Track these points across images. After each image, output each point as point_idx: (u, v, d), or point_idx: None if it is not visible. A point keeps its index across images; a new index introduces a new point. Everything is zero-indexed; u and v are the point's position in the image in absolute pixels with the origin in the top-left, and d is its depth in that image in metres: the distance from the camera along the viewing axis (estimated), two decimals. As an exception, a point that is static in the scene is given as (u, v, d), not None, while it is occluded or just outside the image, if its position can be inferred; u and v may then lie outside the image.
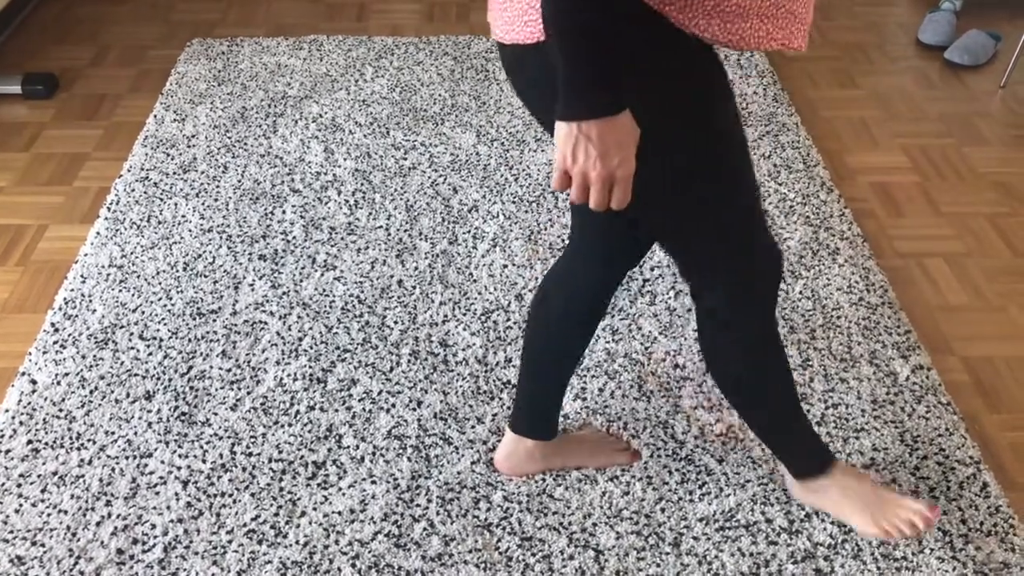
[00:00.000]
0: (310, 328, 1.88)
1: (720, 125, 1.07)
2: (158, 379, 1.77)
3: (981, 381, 1.80)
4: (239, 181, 2.29)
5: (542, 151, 2.39)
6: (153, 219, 2.16)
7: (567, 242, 2.09)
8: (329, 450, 1.64)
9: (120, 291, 1.96)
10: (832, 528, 1.50)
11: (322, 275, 2.01)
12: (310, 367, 1.79)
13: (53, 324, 1.88)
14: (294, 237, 2.12)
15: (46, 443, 1.64)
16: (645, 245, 1.35)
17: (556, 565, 1.46)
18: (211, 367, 1.79)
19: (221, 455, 1.63)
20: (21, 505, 1.54)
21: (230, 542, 1.49)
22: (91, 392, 1.74)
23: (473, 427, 1.68)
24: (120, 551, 1.47)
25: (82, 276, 2.00)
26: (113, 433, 1.66)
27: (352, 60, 2.80)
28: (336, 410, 1.71)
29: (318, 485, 1.58)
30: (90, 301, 1.93)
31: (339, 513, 1.53)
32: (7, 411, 1.70)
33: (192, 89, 2.65)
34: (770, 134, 2.47)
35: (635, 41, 0.95)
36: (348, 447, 1.64)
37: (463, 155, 2.38)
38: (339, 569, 1.45)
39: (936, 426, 1.68)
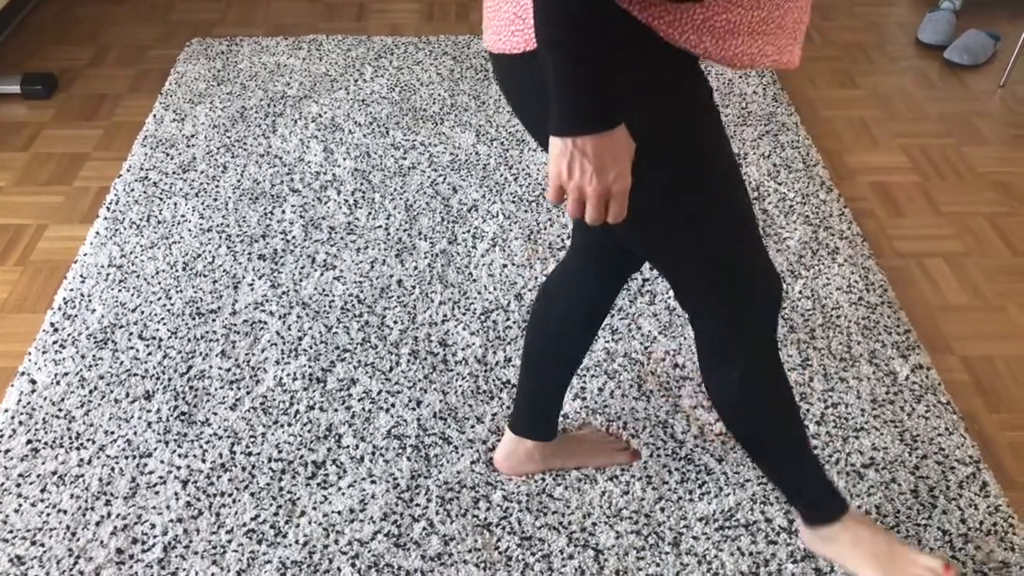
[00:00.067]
0: (310, 328, 1.88)
1: (704, 142, 1.05)
2: (157, 379, 1.77)
3: (980, 381, 1.80)
4: (238, 181, 2.29)
5: (542, 151, 2.39)
6: (152, 219, 2.16)
7: (568, 242, 2.10)
8: (329, 450, 1.64)
9: (119, 291, 1.96)
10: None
11: (322, 275, 2.01)
12: (310, 367, 1.79)
13: (52, 324, 1.88)
14: (293, 237, 2.12)
15: (46, 443, 1.64)
16: None
17: (556, 565, 1.46)
18: (211, 367, 1.79)
19: (221, 455, 1.63)
20: (21, 505, 1.54)
21: (230, 542, 1.49)
22: (90, 392, 1.74)
23: (473, 427, 1.68)
24: (120, 551, 1.47)
25: (81, 276, 2.00)
26: (113, 433, 1.66)
27: (351, 60, 2.80)
28: (336, 410, 1.71)
29: (318, 485, 1.58)
30: (89, 301, 1.93)
31: (339, 513, 1.53)
32: (6, 411, 1.70)
33: (191, 89, 2.65)
34: (770, 134, 2.47)
35: (623, 56, 0.93)
36: (348, 447, 1.64)
37: (462, 155, 2.38)
38: (339, 569, 1.45)
39: (936, 425, 1.68)
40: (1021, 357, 1.85)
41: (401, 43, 2.89)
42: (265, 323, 1.89)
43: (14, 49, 2.91)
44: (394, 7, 3.18)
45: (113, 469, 1.60)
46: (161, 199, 2.23)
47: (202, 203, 2.21)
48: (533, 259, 2.06)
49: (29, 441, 1.64)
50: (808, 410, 1.71)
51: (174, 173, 2.31)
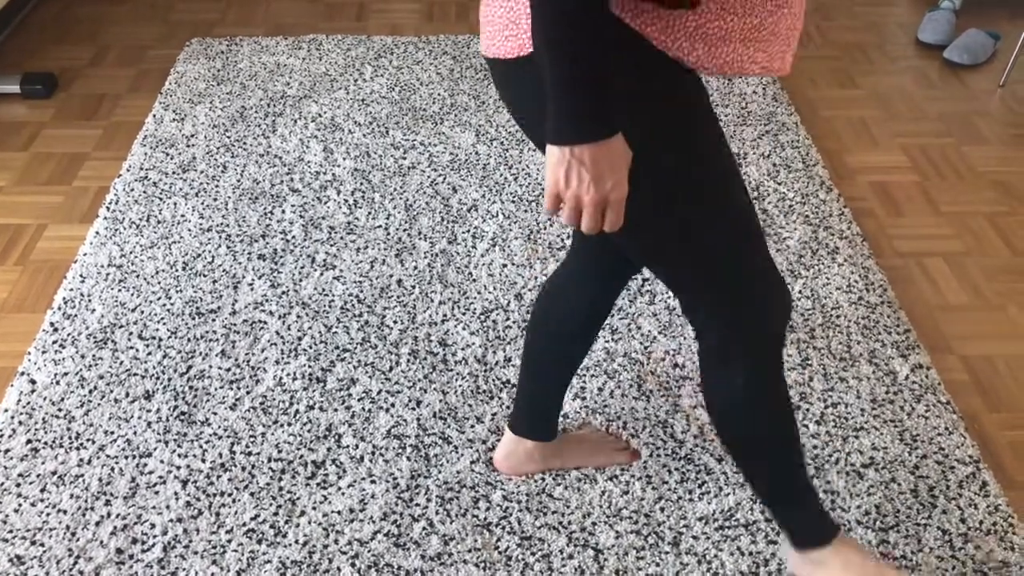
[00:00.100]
0: (309, 327, 1.88)
1: (702, 149, 1.05)
2: (157, 379, 1.77)
3: (980, 380, 1.80)
4: (238, 181, 2.29)
5: (540, 152, 2.39)
6: (152, 219, 2.16)
7: (568, 243, 2.10)
8: (328, 449, 1.64)
9: (119, 291, 1.96)
10: (831, 527, 1.50)
11: (321, 274, 2.01)
12: (309, 366, 1.79)
13: (52, 324, 1.88)
14: (293, 237, 2.12)
15: (45, 443, 1.64)
16: None
17: (555, 564, 1.46)
18: (210, 366, 1.79)
19: (220, 454, 1.63)
20: (20, 505, 1.54)
21: (229, 541, 1.49)
22: (90, 392, 1.74)
23: (472, 426, 1.68)
24: (119, 551, 1.47)
25: (81, 276, 2.00)
26: (112, 433, 1.66)
27: (351, 59, 2.80)
28: (335, 409, 1.71)
29: (317, 485, 1.58)
30: (89, 301, 1.93)
31: (338, 512, 1.53)
32: (6, 411, 1.70)
33: (191, 89, 2.65)
34: (769, 133, 2.47)
35: (618, 64, 0.93)
36: (347, 446, 1.64)
37: (462, 154, 2.38)
38: (338, 569, 1.45)
39: (935, 425, 1.68)
40: (1021, 357, 1.85)
41: (401, 43, 2.89)
42: (265, 323, 1.89)
43: (14, 49, 2.91)
44: (394, 7, 3.18)
45: (113, 469, 1.60)
46: (161, 199, 2.23)
47: (202, 203, 2.21)
48: (533, 259, 2.06)
49: (29, 441, 1.64)
50: (808, 410, 1.71)
51: (174, 173, 2.31)
